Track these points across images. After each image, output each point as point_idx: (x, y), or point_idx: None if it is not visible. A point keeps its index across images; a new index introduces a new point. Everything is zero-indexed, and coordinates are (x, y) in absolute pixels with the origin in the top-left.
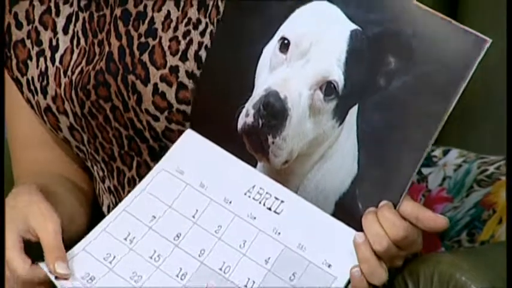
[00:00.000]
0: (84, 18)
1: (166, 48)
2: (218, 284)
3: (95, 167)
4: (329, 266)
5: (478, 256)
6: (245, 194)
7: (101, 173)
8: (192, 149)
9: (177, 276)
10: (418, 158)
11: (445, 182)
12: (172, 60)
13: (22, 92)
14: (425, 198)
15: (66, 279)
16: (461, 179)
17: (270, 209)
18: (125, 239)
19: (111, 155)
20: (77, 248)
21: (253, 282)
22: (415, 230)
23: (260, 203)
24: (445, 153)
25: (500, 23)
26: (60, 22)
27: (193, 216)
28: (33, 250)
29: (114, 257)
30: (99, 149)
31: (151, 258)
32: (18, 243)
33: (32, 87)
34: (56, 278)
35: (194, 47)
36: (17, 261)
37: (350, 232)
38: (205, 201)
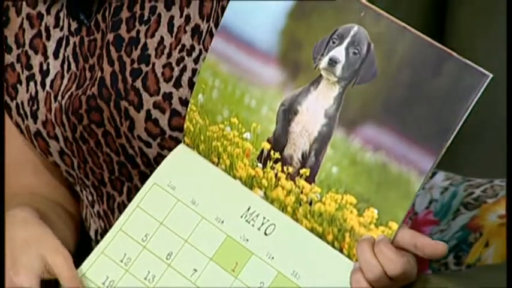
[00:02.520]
0: (74, 43)
1: (159, 74)
2: None
3: (84, 192)
4: None
5: (465, 279)
6: (238, 214)
7: (90, 198)
8: (184, 165)
9: None
10: (413, 190)
11: (431, 204)
12: (165, 87)
13: (11, 117)
14: (412, 221)
15: None
16: (447, 201)
17: (261, 230)
18: (121, 261)
19: (101, 180)
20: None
21: None
22: (412, 264)
23: (253, 225)
24: (432, 176)
25: (489, 31)
26: (51, 46)
27: (185, 234)
28: None
29: (112, 281)
30: (89, 174)
31: (145, 279)
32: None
33: (22, 111)
34: None
35: (188, 73)
36: None
37: (342, 259)
38: (197, 219)
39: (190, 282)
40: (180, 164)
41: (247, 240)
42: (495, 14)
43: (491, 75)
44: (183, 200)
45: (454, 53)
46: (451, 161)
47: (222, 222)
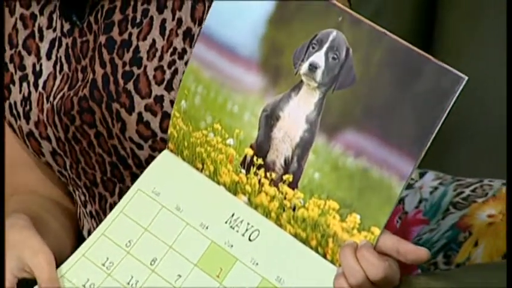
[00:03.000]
0: (67, 44)
1: (151, 77)
2: None
3: (77, 192)
4: None
5: (454, 279)
6: (222, 220)
7: (82, 198)
8: (168, 171)
9: None
10: (395, 195)
11: (421, 204)
12: (157, 90)
13: (4, 117)
14: (401, 220)
15: None
16: (437, 201)
17: (246, 236)
18: (103, 264)
19: (93, 180)
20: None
21: None
22: (394, 268)
23: (237, 230)
24: (422, 175)
25: (475, 35)
26: (44, 47)
27: (169, 240)
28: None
29: (93, 284)
30: (81, 174)
31: (128, 284)
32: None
33: (15, 111)
34: None
35: (179, 76)
36: None
37: (325, 264)
38: (181, 225)
39: (174, 287)
40: (165, 170)
41: (232, 246)
42: (481, 18)
43: (466, 78)
44: (168, 206)
45: (431, 57)
46: (440, 160)
47: (207, 228)
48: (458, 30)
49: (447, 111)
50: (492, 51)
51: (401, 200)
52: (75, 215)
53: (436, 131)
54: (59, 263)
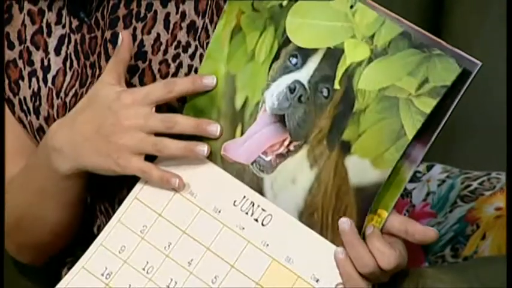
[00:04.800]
0: (76, 40)
1: (156, 71)
2: None
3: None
4: (317, 280)
5: (462, 271)
6: (234, 204)
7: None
8: (182, 159)
9: (168, 286)
10: (404, 179)
11: (428, 197)
12: None
13: (13, 112)
14: (409, 213)
15: None
16: (445, 194)
17: (257, 220)
18: (119, 252)
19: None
20: (75, 268)
21: None
22: (403, 254)
23: (248, 214)
24: (429, 168)
25: (484, 26)
26: (52, 42)
27: (183, 225)
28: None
29: (110, 272)
30: None
31: (144, 270)
32: None
33: (25, 107)
34: None
35: (184, 70)
36: None
37: (333, 248)
38: (195, 210)
39: (188, 272)
40: (178, 159)
41: (243, 228)
42: (488, 9)
43: (480, 64)
44: (182, 192)
45: (445, 43)
46: (448, 153)
47: (219, 212)
48: (465, 21)
49: (460, 95)
50: (499, 43)
51: (408, 193)
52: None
53: (449, 115)
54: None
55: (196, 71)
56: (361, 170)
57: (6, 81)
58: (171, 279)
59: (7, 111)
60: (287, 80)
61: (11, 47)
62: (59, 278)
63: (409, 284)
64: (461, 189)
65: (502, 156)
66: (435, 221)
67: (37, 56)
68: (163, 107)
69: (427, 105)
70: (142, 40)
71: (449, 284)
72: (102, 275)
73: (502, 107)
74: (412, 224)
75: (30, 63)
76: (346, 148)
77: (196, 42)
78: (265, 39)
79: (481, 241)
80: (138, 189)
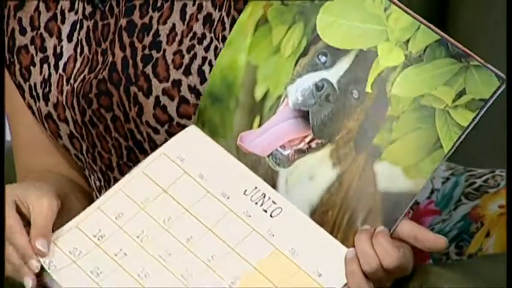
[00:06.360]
0: (88, 27)
1: (170, 61)
2: (201, 274)
3: (92, 177)
4: (319, 275)
5: (466, 268)
6: (244, 192)
7: (97, 183)
8: (194, 143)
9: (161, 257)
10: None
11: (433, 194)
12: (175, 74)
13: (24, 98)
14: (413, 211)
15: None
16: (449, 191)
17: (266, 211)
18: (116, 218)
19: (109, 165)
20: (68, 226)
21: (238, 276)
22: (408, 257)
23: (257, 204)
24: None
25: (489, 23)
26: (65, 29)
27: (187, 204)
28: None
29: (103, 235)
30: (98, 158)
31: (138, 237)
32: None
33: (34, 93)
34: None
35: (198, 61)
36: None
37: (342, 248)
38: (202, 192)
39: (185, 247)
40: (190, 142)
41: (250, 216)
42: (492, 9)
43: (505, 78)
44: (191, 173)
45: (475, 55)
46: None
47: (228, 197)
48: (469, 20)
49: (487, 107)
50: (503, 42)
51: None
52: (91, 196)
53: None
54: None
55: (210, 64)
56: (392, 177)
57: (18, 67)
58: (166, 251)
59: (18, 98)
60: (314, 77)
61: (23, 32)
62: None
63: (413, 282)
64: (465, 187)
65: (506, 154)
66: (439, 218)
67: (50, 42)
68: (176, 93)
69: (465, 118)
70: (157, 30)
71: (453, 282)
72: (95, 236)
73: (506, 103)
74: (423, 231)
75: (43, 49)
76: (376, 153)
77: (212, 35)
78: (294, 33)
79: (485, 239)
80: (145, 164)
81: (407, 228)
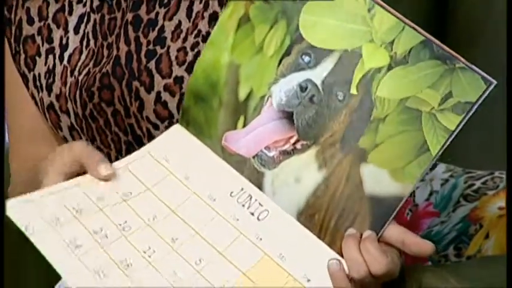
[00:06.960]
0: (95, 20)
1: (173, 58)
2: (189, 276)
3: None
4: (308, 280)
5: (465, 270)
6: (231, 195)
7: None
8: (180, 143)
9: (145, 252)
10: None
11: (432, 196)
12: (178, 71)
13: (28, 88)
14: (412, 212)
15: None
16: (448, 193)
17: (253, 214)
18: (98, 199)
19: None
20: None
21: (227, 281)
22: (396, 262)
23: (244, 206)
24: (432, 167)
25: (488, 23)
26: (72, 21)
27: (172, 205)
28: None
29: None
30: None
31: (120, 225)
32: None
33: (38, 83)
34: None
35: None
36: None
37: (330, 252)
38: (187, 193)
39: (170, 247)
40: (176, 142)
41: (237, 220)
42: (492, 7)
43: (495, 82)
44: (176, 174)
45: (462, 58)
46: (450, 152)
47: (214, 200)
48: (469, 18)
49: (473, 111)
50: (502, 41)
51: (412, 192)
52: None
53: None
54: None
55: None
56: (379, 180)
57: (23, 56)
58: (149, 247)
59: (22, 88)
60: (298, 77)
61: (30, 22)
62: (59, 277)
63: (411, 283)
64: (464, 189)
65: (505, 155)
66: (438, 220)
67: (57, 34)
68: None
69: (451, 121)
70: (163, 26)
71: (452, 283)
72: (74, 208)
73: (505, 104)
74: (410, 235)
75: (50, 40)
76: (362, 155)
77: None
78: (276, 33)
79: (484, 240)
80: (131, 159)
81: (395, 232)
